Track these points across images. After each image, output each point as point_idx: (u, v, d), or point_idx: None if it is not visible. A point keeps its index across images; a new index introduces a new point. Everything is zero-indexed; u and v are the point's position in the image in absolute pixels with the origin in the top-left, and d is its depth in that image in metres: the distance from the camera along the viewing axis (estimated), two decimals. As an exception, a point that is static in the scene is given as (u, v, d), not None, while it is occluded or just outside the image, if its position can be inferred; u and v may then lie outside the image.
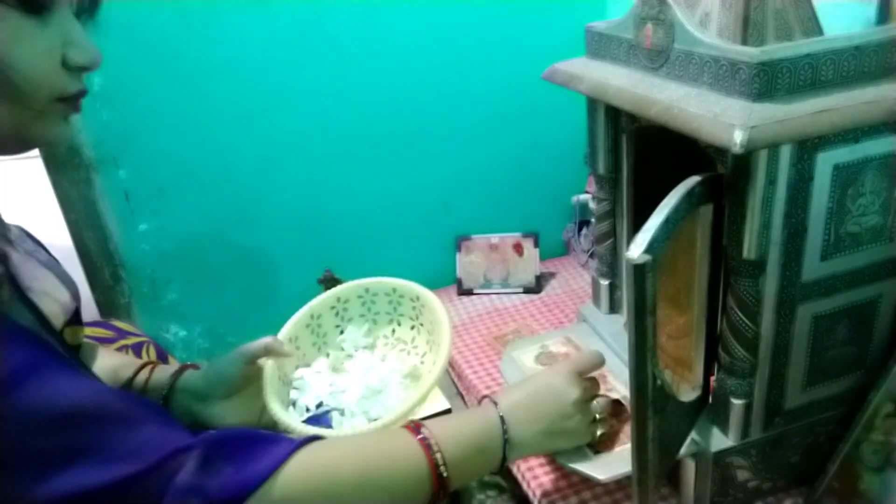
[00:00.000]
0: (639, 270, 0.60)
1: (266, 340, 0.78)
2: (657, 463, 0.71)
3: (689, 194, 0.68)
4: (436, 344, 0.80)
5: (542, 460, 0.95)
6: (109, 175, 1.22)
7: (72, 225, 1.26)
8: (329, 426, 0.75)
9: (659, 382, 0.67)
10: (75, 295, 0.67)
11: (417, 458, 0.61)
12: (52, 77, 0.51)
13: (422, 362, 0.84)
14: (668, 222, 0.64)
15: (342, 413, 0.78)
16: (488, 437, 0.68)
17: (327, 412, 0.78)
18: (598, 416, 0.77)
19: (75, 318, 0.66)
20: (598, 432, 0.77)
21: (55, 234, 1.51)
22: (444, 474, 0.61)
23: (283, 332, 0.84)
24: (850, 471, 0.78)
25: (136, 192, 1.25)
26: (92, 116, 1.17)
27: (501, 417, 0.69)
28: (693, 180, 0.69)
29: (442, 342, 0.77)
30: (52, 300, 0.61)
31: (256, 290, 1.40)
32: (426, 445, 0.62)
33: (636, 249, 0.60)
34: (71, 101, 0.55)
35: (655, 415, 0.67)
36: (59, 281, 0.64)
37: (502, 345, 1.24)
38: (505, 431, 0.68)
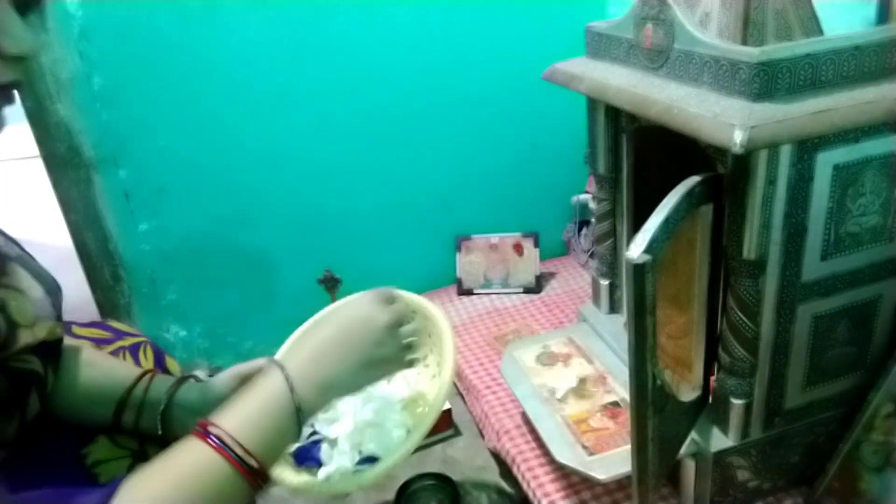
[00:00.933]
0: (639, 270, 0.60)
1: (260, 362, 0.78)
2: (657, 463, 0.72)
3: (689, 194, 0.68)
4: (442, 368, 0.76)
5: (543, 460, 0.95)
6: (109, 175, 1.22)
7: (72, 225, 1.26)
8: (318, 461, 0.73)
9: (659, 383, 0.67)
10: (51, 290, 0.67)
11: (220, 465, 0.57)
12: None
13: (432, 381, 0.81)
14: (667, 222, 0.65)
15: (333, 445, 0.75)
16: (284, 411, 0.61)
17: (317, 442, 0.76)
18: (407, 340, 0.68)
19: (55, 314, 0.66)
20: (410, 357, 0.68)
21: (55, 234, 1.51)
22: (255, 465, 0.58)
23: (284, 349, 0.82)
24: (850, 471, 0.78)
25: (136, 192, 1.25)
26: (92, 117, 1.17)
27: (290, 385, 0.61)
28: (693, 180, 0.69)
29: (444, 371, 0.73)
30: (21, 296, 0.60)
31: (256, 290, 1.40)
32: (222, 448, 0.57)
33: (636, 249, 0.61)
34: (2, 91, 0.53)
35: (655, 415, 0.68)
36: (32, 277, 0.64)
37: (502, 345, 1.24)
38: (296, 400, 0.61)
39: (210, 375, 1.34)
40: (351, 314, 0.67)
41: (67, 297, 0.87)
